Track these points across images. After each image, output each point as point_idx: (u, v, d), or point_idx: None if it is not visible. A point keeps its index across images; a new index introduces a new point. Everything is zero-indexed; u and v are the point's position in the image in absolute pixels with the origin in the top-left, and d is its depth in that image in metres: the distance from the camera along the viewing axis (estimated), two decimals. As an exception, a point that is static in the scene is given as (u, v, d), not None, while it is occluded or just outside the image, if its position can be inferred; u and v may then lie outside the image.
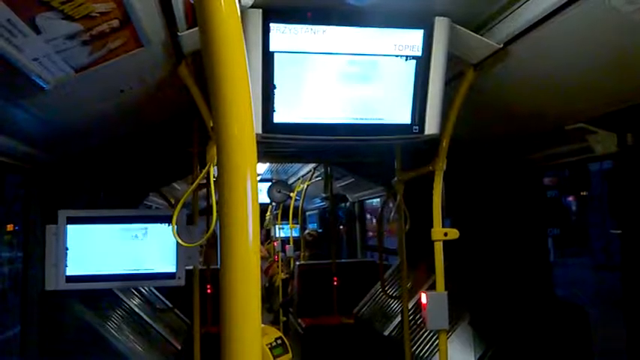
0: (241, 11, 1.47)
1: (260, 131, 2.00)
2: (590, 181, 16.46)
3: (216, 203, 2.19)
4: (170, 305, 4.45)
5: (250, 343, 0.73)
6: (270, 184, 7.66)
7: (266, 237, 10.95)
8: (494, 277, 3.39)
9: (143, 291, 4.53)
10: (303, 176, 7.16)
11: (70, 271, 2.82)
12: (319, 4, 1.94)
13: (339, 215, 8.35)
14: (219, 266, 0.75)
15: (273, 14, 1.92)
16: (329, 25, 1.98)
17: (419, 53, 2.06)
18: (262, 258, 9.38)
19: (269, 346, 2.21)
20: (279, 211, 8.98)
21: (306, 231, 7.87)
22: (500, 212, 3.38)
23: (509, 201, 3.33)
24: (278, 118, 2.03)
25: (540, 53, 1.96)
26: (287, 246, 8.11)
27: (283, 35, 1.95)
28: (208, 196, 2.39)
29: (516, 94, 2.37)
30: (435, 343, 3.36)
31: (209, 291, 4.86)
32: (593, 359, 3.08)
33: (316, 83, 2.04)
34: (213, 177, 2.40)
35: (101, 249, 2.88)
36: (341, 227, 8.49)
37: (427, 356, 3.54)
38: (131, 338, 3.56)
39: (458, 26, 2.04)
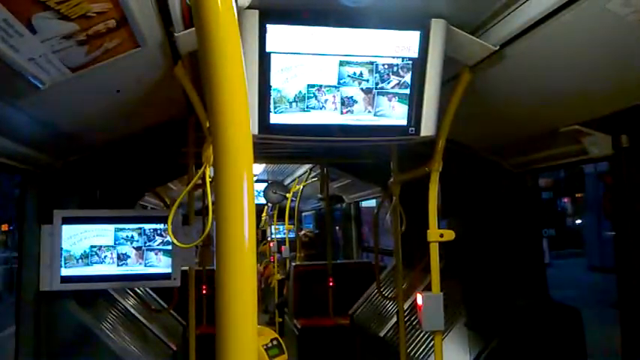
0: (238, 12, 1.47)
1: (256, 132, 2.00)
2: (584, 183, 16.53)
3: (213, 204, 2.19)
4: (165, 306, 4.44)
5: (246, 343, 0.73)
6: (266, 184, 7.67)
7: (262, 238, 10.95)
8: (489, 278, 3.39)
9: (138, 291, 4.52)
10: (299, 177, 7.16)
11: (65, 271, 2.81)
12: (316, 5, 1.94)
13: (335, 216, 8.36)
14: (214, 267, 0.75)
15: (270, 15, 1.92)
16: (326, 26, 1.98)
17: (415, 55, 2.07)
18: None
19: (265, 347, 2.21)
20: (275, 212, 8.98)
21: (302, 232, 7.88)
22: (495, 213, 3.39)
23: (504, 202, 3.34)
24: (274, 119, 2.02)
25: (536, 55, 1.97)
26: (283, 247, 8.11)
27: (280, 36, 1.95)
28: (204, 196, 2.39)
29: (512, 95, 2.38)
30: (431, 344, 3.36)
31: (204, 292, 4.86)
32: (587, 360, 3.09)
33: (312, 84, 2.04)
34: (209, 178, 2.40)
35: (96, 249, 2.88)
36: (337, 228, 8.49)
37: (423, 357, 3.55)
38: (126, 339, 3.55)
39: (454, 28, 2.04)
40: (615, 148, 2.30)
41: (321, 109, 2.07)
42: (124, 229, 2.94)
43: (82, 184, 3.14)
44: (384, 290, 4.55)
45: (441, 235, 2.45)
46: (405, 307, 3.67)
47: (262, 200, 7.76)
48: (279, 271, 8.36)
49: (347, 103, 2.09)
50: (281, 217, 8.59)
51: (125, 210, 3.26)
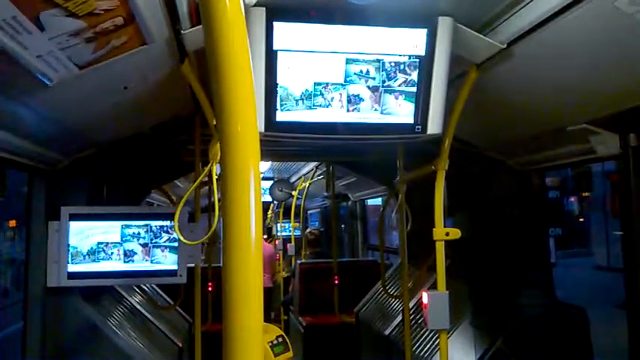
0: (245, 10, 1.47)
1: (262, 130, 2.00)
2: (591, 182, 16.45)
3: (219, 201, 2.19)
4: (171, 302, 4.46)
5: (252, 340, 0.73)
6: (272, 182, 7.67)
7: (268, 235, 10.97)
8: (495, 277, 3.38)
9: (145, 288, 4.54)
10: (304, 175, 7.16)
11: (72, 267, 2.83)
12: (323, 2, 1.93)
13: (341, 214, 8.36)
14: (221, 264, 0.75)
15: (277, 13, 1.92)
16: (332, 24, 1.98)
17: (422, 53, 2.06)
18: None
19: (270, 344, 2.20)
20: (281, 210, 8.99)
21: (308, 230, 7.88)
22: (502, 212, 3.38)
23: (511, 201, 3.33)
24: (280, 116, 2.03)
25: (544, 53, 1.96)
26: (288, 244, 8.12)
27: (286, 34, 1.95)
28: (210, 193, 2.40)
29: (519, 94, 2.37)
30: (436, 343, 3.36)
31: (210, 289, 4.87)
32: (593, 360, 3.08)
33: (319, 82, 2.04)
34: (216, 175, 2.40)
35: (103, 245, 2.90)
36: (342, 226, 8.49)
37: (427, 356, 3.54)
38: (132, 335, 3.57)
39: (461, 26, 2.04)
40: (623, 147, 2.29)
41: (327, 106, 2.07)
42: (131, 225, 2.95)
43: (89, 181, 3.16)
44: (389, 288, 4.55)
45: (447, 234, 2.45)
46: (411, 305, 3.67)
47: (268, 198, 7.77)
48: (284, 269, 8.37)
49: (353, 101, 2.08)
50: (287, 215, 8.59)
51: (132, 207, 3.27)
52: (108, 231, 2.92)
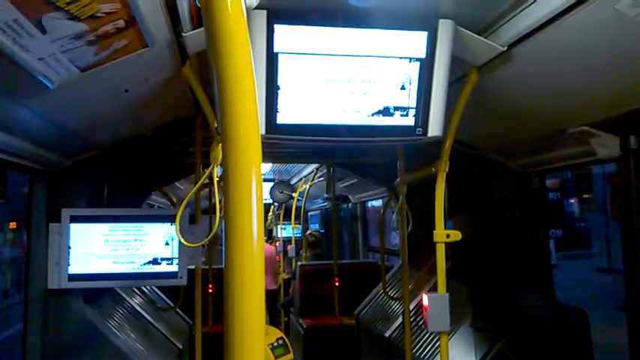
0: (246, 12, 1.48)
1: (263, 132, 2.00)
2: (591, 184, 16.44)
3: (220, 203, 2.19)
4: (172, 304, 4.46)
5: (253, 343, 0.73)
6: (272, 184, 7.67)
7: (268, 237, 10.97)
8: (495, 279, 3.38)
9: (145, 290, 4.54)
10: (305, 177, 7.17)
11: (73, 269, 2.83)
12: (324, 5, 1.94)
13: (341, 216, 8.36)
14: (221, 266, 0.76)
15: (278, 15, 1.92)
16: (333, 26, 1.98)
17: (423, 55, 2.07)
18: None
19: (270, 346, 2.21)
20: (282, 212, 8.99)
21: (308, 231, 7.88)
22: (502, 214, 3.38)
23: (511, 203, 3.33)
24: (281, 119, 2.03)
25: (544, 56, 1.96)
26: (289, 246, 8.12)
27: (287, 36, 1.95)
28: (211, 195, 2.41)
29: (520, 96, 2.37)
30: (437, 345, 3.36)
31: (211, 290, 4.88)
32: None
33: (320, 84, 2.04)
34: (217, 177, 2.40)
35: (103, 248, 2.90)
36: (343, 228, 8.49)
37: (428, 358, 3.54)
38: (132, 337, 3.57)
39: (462, 28, 2.04)
40: (623, 149, 2.29)
41: (328, 109, 2.07)
42: (132, 227, 2.95)
43: (90, 183, 3.16)
44: (389, 290, 4.55)
45: (448, 236, 2.45)
46: (411, 307, 3.67)
47: (269, 199, 7.77)
48: (285, 271, 8.37)
49: (354, 103, 2.09)
50: (287, 217, 8.59)
51: (133, 209, 3.27)
52: (108, 233, 2.92)
